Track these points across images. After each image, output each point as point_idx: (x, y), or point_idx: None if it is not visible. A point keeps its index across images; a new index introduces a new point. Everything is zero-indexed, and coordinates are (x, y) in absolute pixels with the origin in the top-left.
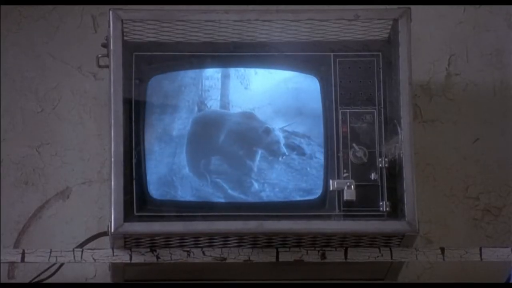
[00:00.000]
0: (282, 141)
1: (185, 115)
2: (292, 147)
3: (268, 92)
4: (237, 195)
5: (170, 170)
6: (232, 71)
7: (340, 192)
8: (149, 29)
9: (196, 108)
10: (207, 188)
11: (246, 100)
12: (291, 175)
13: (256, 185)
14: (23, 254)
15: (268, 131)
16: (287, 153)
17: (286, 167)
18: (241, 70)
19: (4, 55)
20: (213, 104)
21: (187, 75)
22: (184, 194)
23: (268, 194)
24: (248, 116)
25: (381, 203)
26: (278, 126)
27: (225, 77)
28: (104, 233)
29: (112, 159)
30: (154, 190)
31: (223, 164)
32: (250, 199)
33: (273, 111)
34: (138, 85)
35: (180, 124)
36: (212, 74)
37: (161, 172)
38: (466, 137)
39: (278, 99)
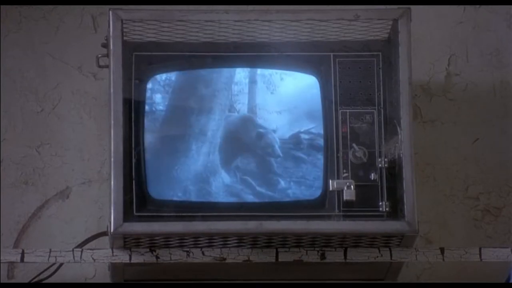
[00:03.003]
0: (277, 143)
1: (219, 117)
2: (317, 148)
3: (293, 97)
4: (237, 196)
5: (205, 167)
6: (258, 76)
7: (339, 192)
8: (149, 29)
9: (227, 111)
10: (207, 188)
11: (273, 103)
12: (316, 174)
13: (256, 185)
14: (22, 254)
15: (260, 135)
16: (281, 155)
17: (311, 166)
18: (267, 75)
19: (4, 55)
20: (242, 107)
21: (220, 80)
22: (184, 194)
23: (268, 194)
24: (247, 119)
25: (380, 203)
26: (304, 128)
27: (252, 82)
28: (104, 233)
29: (112, 159)
30: (154, 190)
31: (223, 164)
32: (250, 199)
33: (299, 114)
34: (138, 85)
35: (214, 125)
36: (240, 80)
37: (197, 170)
38: (466, 137)
39: (303, 103)
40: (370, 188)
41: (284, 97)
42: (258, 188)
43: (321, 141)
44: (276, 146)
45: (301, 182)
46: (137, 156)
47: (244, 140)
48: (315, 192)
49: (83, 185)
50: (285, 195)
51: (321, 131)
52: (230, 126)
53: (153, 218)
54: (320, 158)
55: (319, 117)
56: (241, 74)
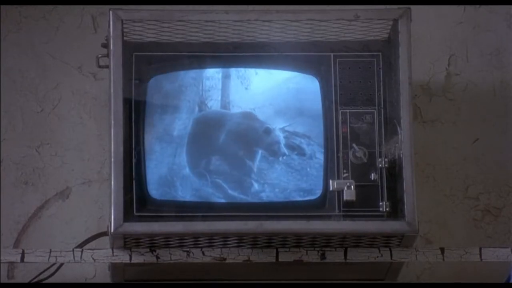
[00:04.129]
0: (283, 141)
1: (186, 115)
2: (292, 147)
3: (268, 92)
4: (237, 195)
5: (170, 170)
6: (233, 71)
7: (340, 192)
8: (149, 29)
9: (197, 108)
10: (207, 188)
11: (247, 100)
12: (291, 175)
13: (256, 185)
14: (22, 254)
15: (268, 131)
16: (287, 153)
17: (286, 167)
18: (242, 70)
19: (4, 55)
20: (214, 104)
21: (188, 75)
22: (184, 194)
23: (268, 194)
24: (249, 116)
25: (381, 203)
26: (278, 126)
27: (225, 77)
28: (104, 233)
29: (112, 159)
30: (154, 190)
31: (223, 164)
32: (250, 199)
33: (273, 111)
34: (138, 85)
35: (181, 124)
36: (212, 75)
37: (161, 172)
38: (466, 137)
39: (278, 99)
40: (370, 188)
41: (259, 94)
42: (257, 188)
43: (296, 140)
44: (282, 144)
45: (275, 184)
46: (137, 156)
47: (248, 136)
48: (315, 192)
49: (83, 185)
50: (285, 195)
51: (297, 129)
52: (231, 122)
53: (153, 218)
54: (294, 158)
55: (294, 115)
56: (213, 68)
